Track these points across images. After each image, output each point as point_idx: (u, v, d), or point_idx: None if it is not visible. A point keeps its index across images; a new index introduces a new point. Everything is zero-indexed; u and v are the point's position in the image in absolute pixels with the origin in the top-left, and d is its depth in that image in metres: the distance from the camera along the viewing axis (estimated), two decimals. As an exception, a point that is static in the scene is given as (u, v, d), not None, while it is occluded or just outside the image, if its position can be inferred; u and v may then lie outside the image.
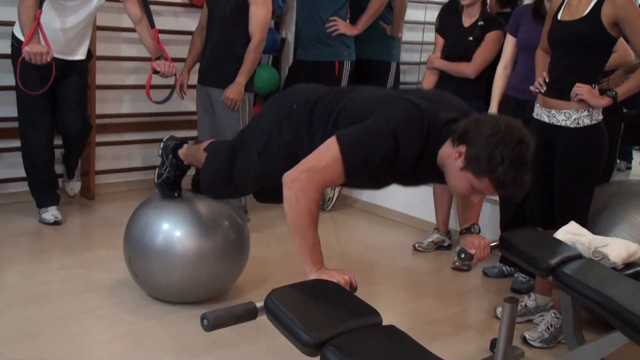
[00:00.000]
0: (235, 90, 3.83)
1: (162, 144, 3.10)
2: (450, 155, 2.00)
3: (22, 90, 3.52)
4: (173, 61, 4.73)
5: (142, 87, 4.71)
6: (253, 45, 3.84)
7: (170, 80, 3.80)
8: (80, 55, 3.82)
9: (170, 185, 3.03)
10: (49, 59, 3.42)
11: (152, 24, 3.72)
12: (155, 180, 3.06)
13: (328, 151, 2.00)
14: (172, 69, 3.65)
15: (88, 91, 4.19)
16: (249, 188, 2.77)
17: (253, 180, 2.59)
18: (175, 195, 3.03)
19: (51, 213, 3.98)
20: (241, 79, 3.84)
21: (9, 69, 4.10)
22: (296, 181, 1.97)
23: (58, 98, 3.82)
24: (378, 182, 2.31)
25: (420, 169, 2.11)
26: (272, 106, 2.54)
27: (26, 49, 3.36)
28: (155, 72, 3.64)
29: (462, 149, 1.96)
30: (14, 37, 3.69)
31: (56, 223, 3.95)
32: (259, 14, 3.83)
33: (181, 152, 3.03)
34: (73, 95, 3.85)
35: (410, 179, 2.29)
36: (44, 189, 4.01)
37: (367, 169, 2.04)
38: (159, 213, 2.96)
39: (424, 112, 2.05)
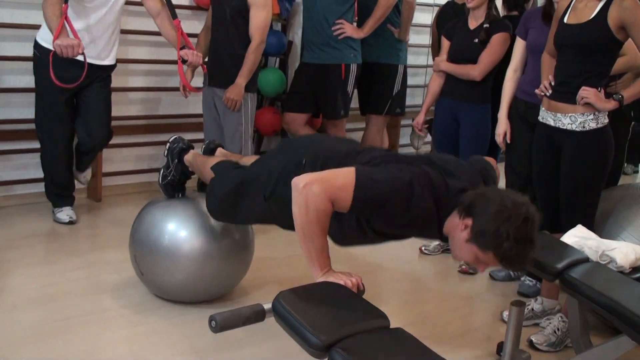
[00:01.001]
0: (235, 91, 3.85)
1: (167, 144, 3.12)
2: (457, 226, 2.03)
3: (58, 84, 3.48)
4: (184, 64, 4.78)
5: (148, 89, 4.76)
6: (253, 46, 3.86)
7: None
8: (108, 60, 3.82)
9: (174, 187, 3.08)
10: (80, 51, 3.41)
11: (174, 15, 3.73)
12: (160, 181, 3.09)
13: (344, 174, 2.02)
14: (199, 58, 3.68)
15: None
16: (251, 223, 2.88)
17: (256, 219, 2.67)
18: (179, 195, 3.09)
19: (66, 213, 4.01)
20: (241, 80, 3.86)
21: (18, 71, 4.14)
22: (308, 187, 1.96)
23: (81, 106, 3.80)
24: (378, 236, 2.28)
25: (428, 226, 2.13)
26: (282, 152, 2.56)
27: (57, 42, 3.34)
28: (184, 61, 3.64)
29: (469, 221, 1.98)
30: (36, 46, 3.67)
31: (71, 222, 3.98)
32: (259, 16, 3.85)
33: (187, 159, 3.06)
34: (99, 103, 3.84)
35: (415, 233, 2.28)
36: (59, 193, 4.03)
37: (373, 205, 2.03)
38: (165, 213, 2.98)
39: (434, 180, 2.08)
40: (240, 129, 3.98)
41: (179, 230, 2.92)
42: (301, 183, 1.98)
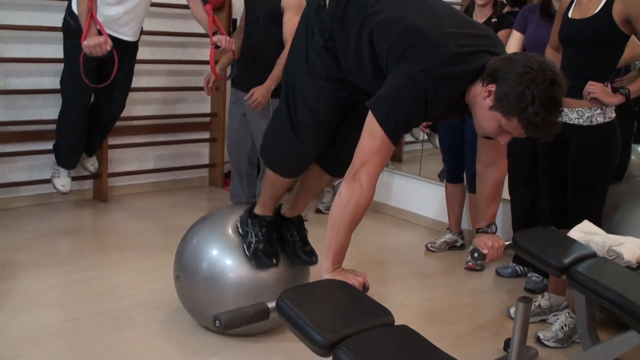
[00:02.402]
0: (262, 91, 3.79)
1: (238, 223, 2.80)
2: (480, 93, 1.94)
3: (86, 82, 3.56)
4: (185, 64, 4.79)
5: (154, 89, 4.77)
6: (286, 52, 3.81)
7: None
8: (135, 36, 3.84)
9: (264, 251, 2.70)
10: (108, 48, 3.47)
11: (205, 0, 3.75)
12: (247, 252, 2.71)
13: (374, 136, 1.98)
14: (231, 43, 3.68)
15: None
16: (313, 137, 2.47)
17: (311, 111, 2.39)
18: (274, 262, 2.70)
19: (61, 182, 4.05)
20: (270, 83, 3.80)
21: (23, 73, 4.15)
22: (355, 181, 1.97)
23: (108, 76, 3.78)
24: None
25: (451, 110, 2.08)
26: (301, 20, 2.48)
27: (85, 44, 3.41)
28: (217, 46, 3.65)
29: (492, 87, 1.89)
30: (71, 15, 3.65)
31: (63, 193, 4.08)
32: (294, 21, 3.78)
33: (256, 209, 2.76)
34: (123, 77, 3.86)
35: (438, 118, 2.28)
36: (65, 154, 4.03)
37: (407, 130, 2.12)
38: (211, 238, 2.77)
39: (459, 58, 1.97)
40: None
41: (224, 257, 2.70)
42: (349, 176, 1.99)
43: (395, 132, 1.99)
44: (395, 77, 2.00)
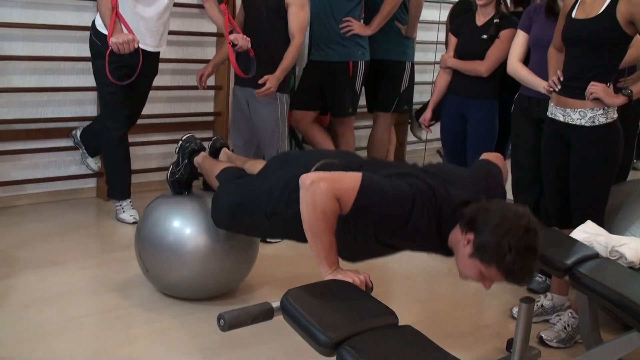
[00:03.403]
0: (273, 82, 3.82)
1: (180, 142, 3.17)
2: (459, 241, 2.01)
3: (113, 81, 3.56)
4: (188, 63, 4.79)
5: (157, 88, 4.76)
6: (296, 44, 3.84)
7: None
8: (159, 47, 3.87)
9: (181, 185, 3.12)
10: (136, 46, 3.48)
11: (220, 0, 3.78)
12: (168, 177, 3.14)
13: (351, 178, 2.02)
14: (248, 42, 3.69)
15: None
16: (257, 237, 2.97)
17: (261, 234, 2.77)
18: (185, 193, 3.13)
19: (129, 213, 4.09)
20: (279, 73, 3.83)
21: (27, 71, 4.16)
22: (315, 184, 1.96)
23: (133, 89, 3.84)
24: (383, 247, 2.27)
25: (431, 244, 2.15)
26: (281, 169, 2.53)
27: (112, 40, 3.42)
28: (233, 45, 3.66)
29: (470, 236, 1.96)
30: (97, 35, 3.69)
31: (134, 223, 3.97)
32: (299, 16, 3.83)
33: (196, 160, 3.10)
34: (146, 89, 3.91)
35: (420, 248, 2.30)
36: (123, 184, 4.08)
37: (372, 213, 2.02)
38: (170, 210, 3.01)
39: (438, 194, 2.06)
40: (278, 130, 3.97)
41: (184, 227, 2.95)
42: (308, 180, 1.98)
43: (366, 195, 1.99)
44: (393, 178, 2.10)
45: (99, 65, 3.70)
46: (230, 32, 3.66)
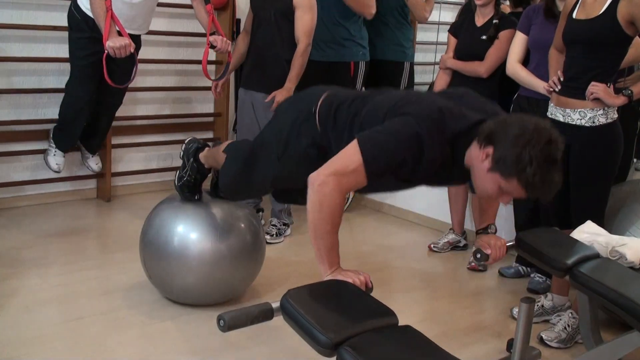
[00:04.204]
0: (284, 94, 3.79)
1: (183, 146, 3.11)
2: (477, 157, 1.96)
3: (111, 84, 3.56)
4: (189, 64, 4.80)
5: (158, 89, 4.78)
6: (300, 50, 3.82)
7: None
8: (143, 30, 3.87)
9: (190, 188, 3.03)
10: (132, 50, 3.49)
11: (207, 0, 3.78)
12: (176, 182, 3.05)
13: (351, 156, 1.99)
14: (228, 45, 3.70)
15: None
16: (268, 189, 2.77)
17: (271, 183, 2.60)
18: (196, 198, 3.02)
19: (57, 160, 4.08)
20: (290, 84, 3.81)
21: (27, 72, 4.16)
22: (323, 185, 1.95)
23: (112, 68, 3.76)
24: (402, 183, 2.24)
25: (447, 171, 2.09)
26: (289, 109, 2.54)
27: (109, 45, 3.41)
28: (212, 47, 3.67)
29: (489, 150, 1.92)
30: (77, 10, 3.66)
31: (55, 172, 4.11)
32: (305, 19, 3.82)
33: (202, 156, 3.03)
34: (129, 68, 3.86)
35: (436, 181, 2.26)
36: (70, 137, 4.05)
37: (388, 171, 2.02)
38: (175, 215, 2.97)
39: (448, 114, 2.01)
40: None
41: (189, 232, 2.90)
42: (315, 182, 1.97)
43: (373, 164, 1.97)
44: (388, 122, 2.04)
45: (74, 37, 3.73)
46: (212, 34, 3.67)
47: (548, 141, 1.86)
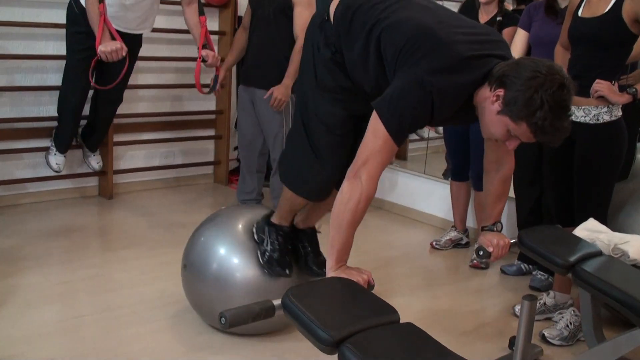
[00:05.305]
0: (282, 91, 3.80)
1: (254, 229, 2.77)
2: (487, 98, 1.93)
3: (97, 87, 3.62)
4: (188, 61, 4.79)
5: (159, 86, 4.77)
6: (299, 46, 3.80)
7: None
8: (145, 29, 3.86)
9: (279, 260, 2.67)
10: (124, 54, 3.48)
11: (201, 11, 3.78)
12: (261, 260, 2.69)
13: (377, 136, 1.97)
14: (217, 60, 3.73)
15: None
16: (331, 153, 2.41)
17: (326, 126, 2.36)
18: (287, 272, 2.66)
19: (57, 160, 4.09)
20: (288, 81, 3.81)
21: (29, 70, 4.16)
22: (356, 179, 1.95)
23: (102, 69, 3.78)
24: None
25: (458, 113, 2.06)
26: (307, 37, 2.46)
27: (101, 49, 3.41)
28: (203, 60, 3.67)
29: (500, 92, 1.88)
30: (77, 3, 3.66)
31: (56, 172, 4.12)
32: (304, 15, 3.79)
33: (273, 218, 2.72)
34: (119, 70, 3.84)
35: (444, 122, 2.25)
36: (67, 136, 4.06)
37: (411, 132, 2.06)
38: (218, 235, 2.77)
39: (468, 64, 1.96)
40: (282, 131, 3.95)
41: (231, 257, 2.70)
42: (350, 173, 1.98)
43: (398, 133, 1.98)
44: (403, 79, 1.99)
45: (72, 31, 3.74)
46: (204, 47, 3.67)
47: (560, 86, 1.84)
